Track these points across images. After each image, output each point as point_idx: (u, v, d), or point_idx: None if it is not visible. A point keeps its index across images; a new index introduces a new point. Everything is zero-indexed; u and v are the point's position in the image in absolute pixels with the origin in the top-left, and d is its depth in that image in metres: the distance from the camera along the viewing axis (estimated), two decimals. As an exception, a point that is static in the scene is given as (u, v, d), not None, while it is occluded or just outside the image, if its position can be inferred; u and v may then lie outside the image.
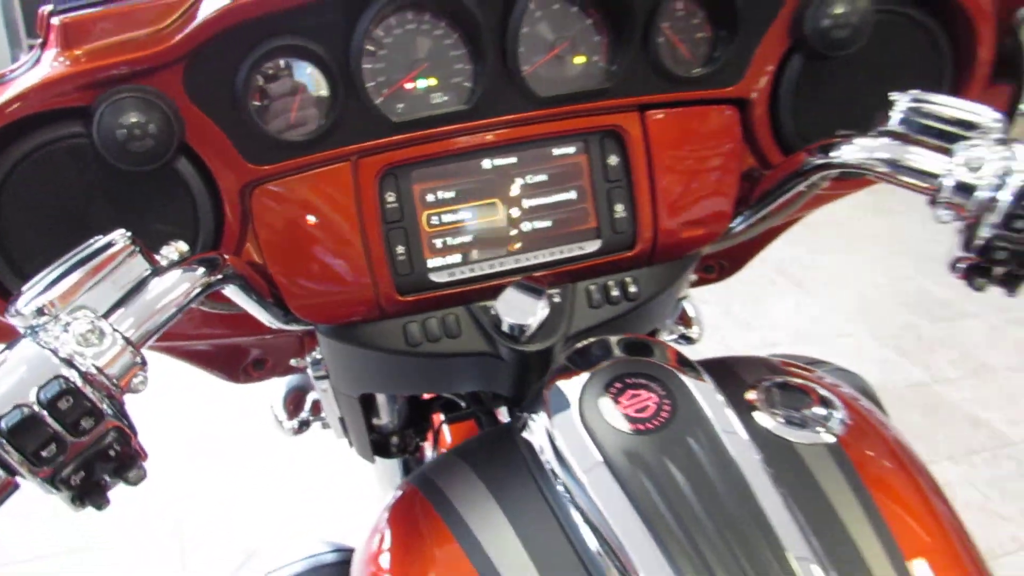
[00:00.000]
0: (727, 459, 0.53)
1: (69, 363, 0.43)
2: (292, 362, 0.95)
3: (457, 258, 0.68)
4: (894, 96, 0.60)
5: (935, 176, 0.56)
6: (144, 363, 0.47)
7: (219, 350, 0.92)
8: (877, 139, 0.60)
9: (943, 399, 2.40)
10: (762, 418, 0.58)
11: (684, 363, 0.60)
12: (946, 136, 0.58)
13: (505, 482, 0.58)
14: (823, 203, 0.86)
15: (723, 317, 2.76)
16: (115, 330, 0.46)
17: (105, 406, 0.44)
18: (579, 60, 0.69)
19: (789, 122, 0.73)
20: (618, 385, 0.57)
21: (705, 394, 0.57)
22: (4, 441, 0.41)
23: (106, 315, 0.47)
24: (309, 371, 0.89)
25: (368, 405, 0.90)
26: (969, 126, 0.57)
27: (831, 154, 0.63)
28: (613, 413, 0.55)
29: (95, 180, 0.61)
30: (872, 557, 0.51)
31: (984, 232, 0.55)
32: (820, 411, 0.59)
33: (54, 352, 0.43)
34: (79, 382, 0.43)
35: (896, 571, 0.51)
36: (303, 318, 0.67)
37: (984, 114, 0.57)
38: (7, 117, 0.57)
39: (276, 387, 1.07)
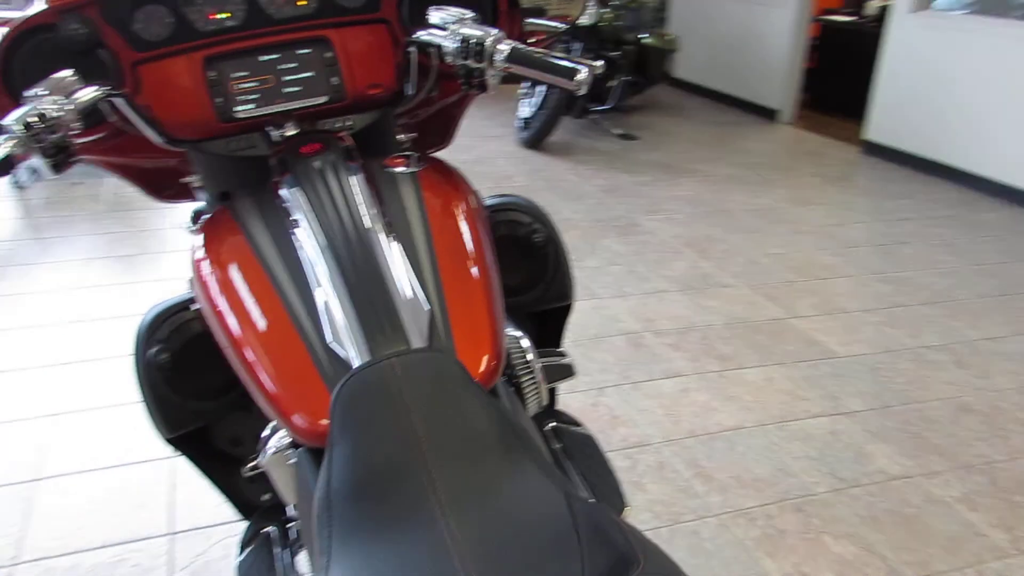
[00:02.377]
0: (348, 171, 1.02)
1: (41, 112, 0.88)
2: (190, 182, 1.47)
3: (251, 106, 1.09)
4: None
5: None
6: (78, 121, 0.87)
7: (144, 173, 1.34)
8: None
9: (793, 328, 2.85)
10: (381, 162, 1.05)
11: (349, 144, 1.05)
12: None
13: (267, 212, 0.99)
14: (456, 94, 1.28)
15: (627, 275, 3.25)
16: (64, 104, 0.87)
17: (58, 125, 0.85)
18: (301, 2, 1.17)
19: (404, 26, 1.15)
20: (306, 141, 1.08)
21: (346, 149, 1.03)
22: (21, 128, 0.83)
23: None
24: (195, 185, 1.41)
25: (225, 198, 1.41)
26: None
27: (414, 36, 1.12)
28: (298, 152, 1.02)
29: (60, 56, 1.01)
30: (414, 233, 0.95)
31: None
32: (415, 167, 1.06)
33: (37, 105, 0.89)
34: (47, 112, 0.84)
35: (423, 248, 0.93)
36: (171, 135, 1.06)
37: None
38: (28, 24, 1.01)
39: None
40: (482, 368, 0.86)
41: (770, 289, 3.17)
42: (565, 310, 1.41)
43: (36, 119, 0.84)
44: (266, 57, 1.10)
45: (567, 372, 1.39)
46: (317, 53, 1.12)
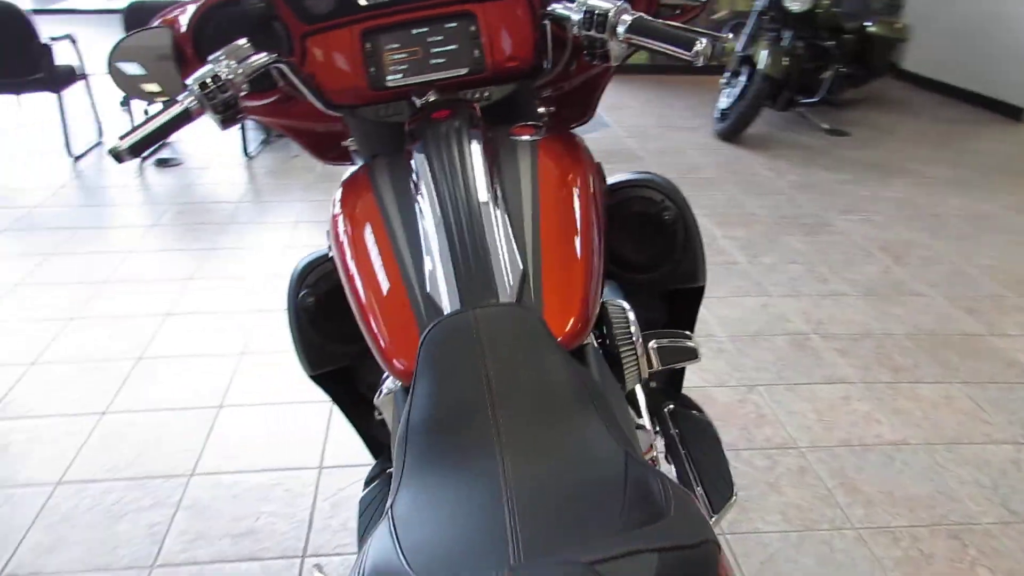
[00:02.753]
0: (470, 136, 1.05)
1: (215, 73, 1.03)
2: (348, 145, 1.51)
3: (400, 76, 1.16)
4: None
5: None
6: (246, 83, 1.01)
7: (311, 135, 1.38)
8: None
9: (991, 346, 2.55)
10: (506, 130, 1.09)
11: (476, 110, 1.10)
12: None
13: (396, 172, 1.07)
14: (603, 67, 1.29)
15: (805, 274, 3.07)
16: (236, 68, 1.00)
17: (229, 86, 0.99)
18: None
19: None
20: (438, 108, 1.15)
21: (471, 116, 1.09)
22: (197, 87, 0.97)
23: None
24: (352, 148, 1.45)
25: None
26: None
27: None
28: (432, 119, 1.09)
29: (242, 27, 1.20)
30: (523, 197, 0.97)
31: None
32: (538, 136, 1.08)
33: (214, 67, 0.99)
34: (221, 74, 0.98)
35: (529, 212, 0.95)
36: (330, 101, 1.16)
37: None
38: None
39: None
40: (567, 328, 0.88)
41: (972, 302, 2.84)
42: (697, 293, 1.38)
43: (210, 80, 0.98)
44: (417, 30, 1.17)
45: (689, 355, 1.36)
46: (463, 27, 1.17)
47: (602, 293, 0.99)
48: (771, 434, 2.10)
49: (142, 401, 2.27)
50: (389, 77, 1.17)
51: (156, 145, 1.00)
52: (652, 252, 1.33)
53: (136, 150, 0.97)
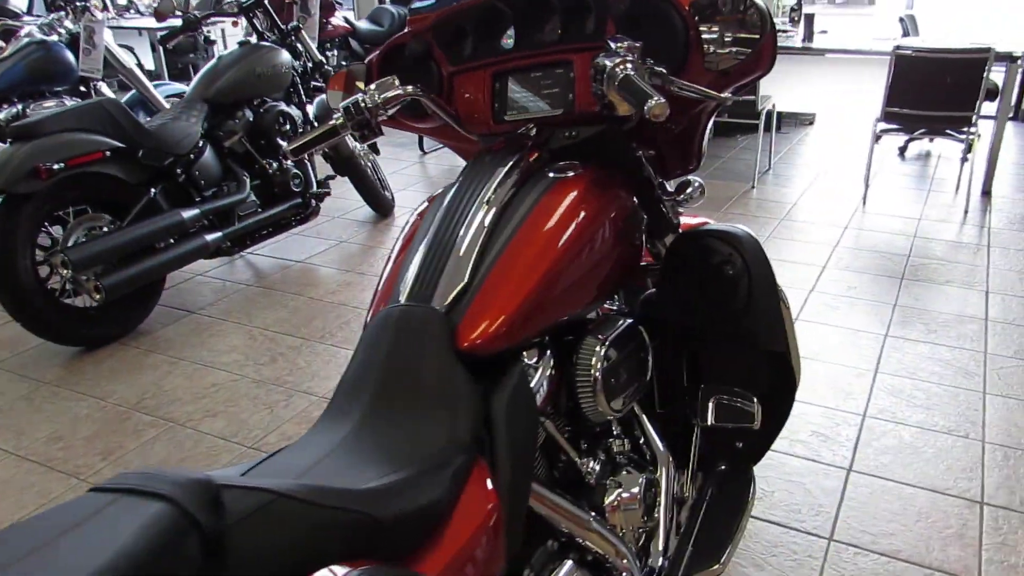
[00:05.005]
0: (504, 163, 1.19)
1: (356, 101, 1.19)
2: None
3: (515, 112, 1.31)
4: None
5: None
6: (386, 107, 1.19)
7: (466, 150, 1.56)
8: None
9: None
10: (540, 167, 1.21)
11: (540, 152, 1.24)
12: None
13: (455, 183, 1.21)
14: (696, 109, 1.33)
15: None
16: (376, 98, 1.19)
17: (370, 117, 1.19)
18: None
19: None
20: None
21: (522, 147, 1.22)
22: (352, 109, 1.19)
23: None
24: None
25: None
26: None
27: None
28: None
29: (409, 65, 1.38)
30: (511, 221, 1.10)
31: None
32: (565, 173, 1.19)
33: (363, 100, 1.18)
34: (362, 102, 1.18)
35: (506, 234, 1.08)
36: (469, 127, 1.36)
37: None
38: (395, 42, 1.40)
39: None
40: (474, 336, 1.01)
41: None
42: (776, 358, 1.41)
43: (352, 107, 1.19)
44: (535, 74, 1.31)
45: (744, 418, 1.42)
46: (564, 73, 1.29)
47: (560, 320, 1.11)
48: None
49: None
50: (508, 113, 1.33)
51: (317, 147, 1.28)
52: (709, 304, 1.37)
53: (298, 152, 1.26)
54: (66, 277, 2.68)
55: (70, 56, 3.85)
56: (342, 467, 0.84)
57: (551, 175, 1.21)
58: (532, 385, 1.12)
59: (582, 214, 1.14)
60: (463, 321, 1.02)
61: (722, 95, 1.24)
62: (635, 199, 1.30)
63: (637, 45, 1.15)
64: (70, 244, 2.77)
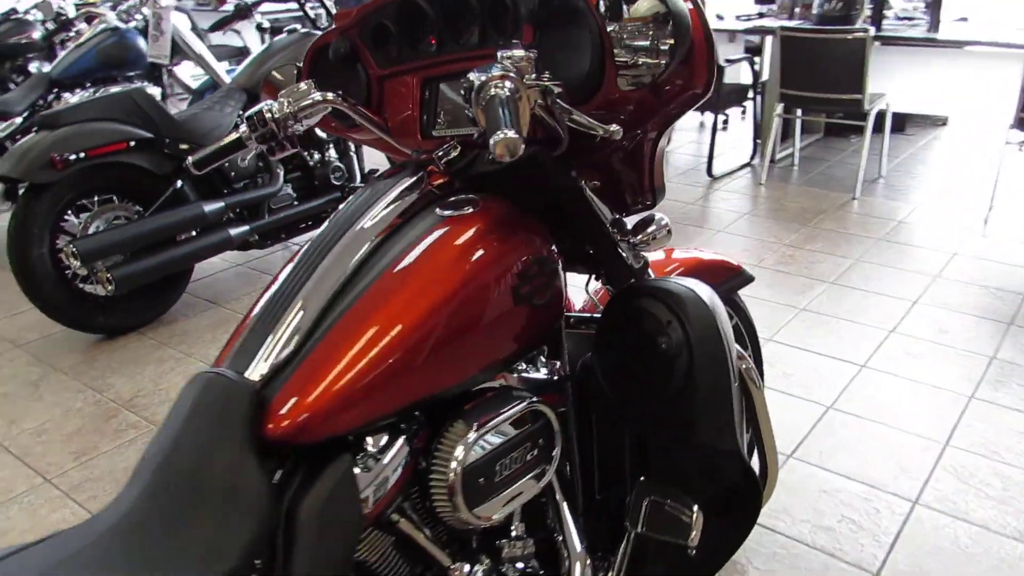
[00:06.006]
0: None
1: (262, 111, 1.04)
2: None
3: (443, 127, 1.17)
4: None
5: None
6: (302, 117, 1.05)
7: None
8: None
9: None
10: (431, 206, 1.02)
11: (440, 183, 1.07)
12: None
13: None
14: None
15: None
16: (286, 107, 1.05)
17: (277, 129, 1.05)
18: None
19: None
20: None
21: (417, 176, 1.06)
22: (255, 120, 1.04)
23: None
24: None
25: None
26: None
27: None
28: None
29: (336, 67, 1.25)
30: (366, 275, 0.93)
31: None
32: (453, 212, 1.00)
33: (269, 109, 1.04)
34: (269, 112, 1.03)
35: (354, 293, 0.91)
36: (395, 136, 1.21)
37: None
38: (320, 41, 1.26)
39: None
40: (283, 418, 0.83)
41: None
42: (728, 459, 1.12)
43: (255, 117, 1.05)
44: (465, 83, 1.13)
45: (680, 531, 1.14)
46: None
47: (411, 397, 0.91)
48: None
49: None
50: (435, 127, 1.17)
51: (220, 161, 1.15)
52: (641, 382, 1.12)
53: (200, 166, 1.13)
54: (75, 267, 2.67)
55: (142, 42, 3.91)
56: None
57: (439, 212, 1.00)
58: (372, 479, 0.90)
59: (467, 263, 0.96)
60: (275, 399, 0.85)
61: (610, 128, 0.98)
62: (552, 246, 1.07)
63: (531, 55, 0.94)
64: (89, 233, 2.77)
